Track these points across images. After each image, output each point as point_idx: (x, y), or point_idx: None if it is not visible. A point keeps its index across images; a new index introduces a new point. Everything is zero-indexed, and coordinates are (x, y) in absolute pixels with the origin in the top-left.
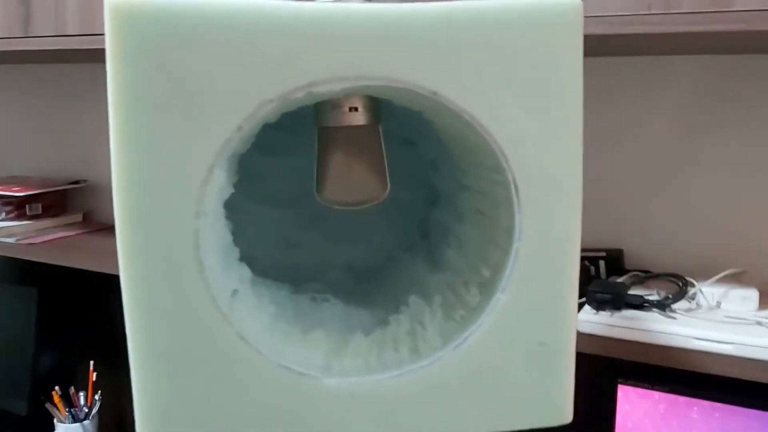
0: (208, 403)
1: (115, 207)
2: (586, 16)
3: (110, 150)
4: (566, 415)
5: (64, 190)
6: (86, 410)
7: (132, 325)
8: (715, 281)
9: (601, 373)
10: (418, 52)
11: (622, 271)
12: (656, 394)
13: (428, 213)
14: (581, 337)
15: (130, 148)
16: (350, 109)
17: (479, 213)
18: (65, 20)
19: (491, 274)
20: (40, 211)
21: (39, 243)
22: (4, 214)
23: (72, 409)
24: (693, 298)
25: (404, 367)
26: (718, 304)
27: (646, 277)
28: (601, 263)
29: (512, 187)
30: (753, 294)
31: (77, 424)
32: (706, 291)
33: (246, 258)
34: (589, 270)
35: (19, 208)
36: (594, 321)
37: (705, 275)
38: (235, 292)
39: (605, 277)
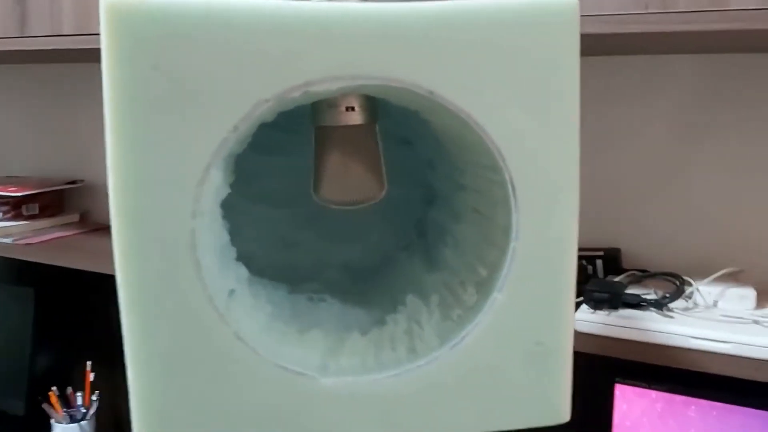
0: (205, 403)
1: (111, 207)
2: (582, 16)
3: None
4: (563, 415)
5: (61, 190)
6: (83, 411)
7: (129, 325)
8: (712, 280)
9: (599, 372)
10: (414, 51)
11: (620, 271)
12: (653, 393)
13: (425, 212)
14: (578, 336)
15: (125, 147)
16: (347, 109)
17: (476, 212)
18: (61, 20)
19: (488, 274)
20: (36, 211)
21: (36, 243)
22: (0, 215)
23: (69, 410)
24: (690, 297)
25: (401, 367)
26: (715, 303)
27: (644, 276)
28: (599, 262)
29: (509, 186)
30: (750, 293)
31: (75, 425)
32: (704, 290)
33: (243, 258)
34: (586, 269)
35: (15, 208)
36: (591, 320)
37: (702, 274)
38: (232, 291)
39: (602, 277)
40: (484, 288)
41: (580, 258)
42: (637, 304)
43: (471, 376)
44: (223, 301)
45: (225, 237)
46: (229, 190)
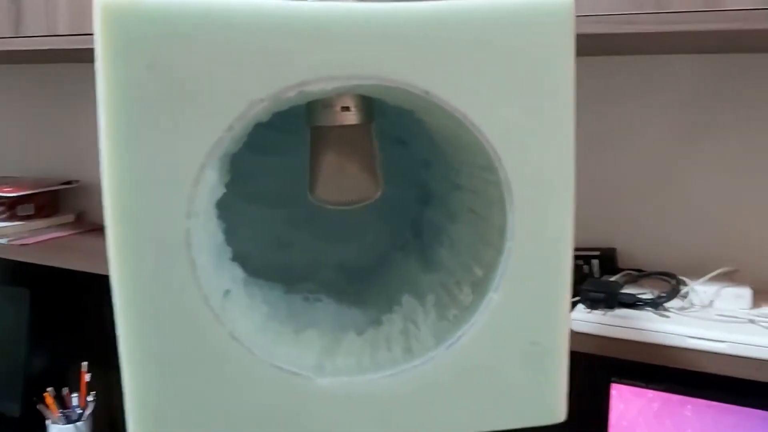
0: (200, 404)
1: (106, 207)
2: (577, 16)
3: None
4: (560, 414)
5: (56, 190)
6: (79, 411)
7: (123, 325)
8: (708, 280)
9: (595, 371)
10: (410, 51)
11: (616, 270)
12: (650, 393)
13: (421, 212)
14: (574, 336)
15: (120, 147)
16: (342, 109)
17: (472, 212)
18: (56, 20)
19: (484, 274)
20: (32, 211)
21: (31, 244)
22: None
23: (65, 411)
24: (686, 297)
25: (397, 367)
26: (711, 303)
27: (640, 275)
28: (595, 262)
29: (504, 186)
30: (746, 292)
31: (70, 426)
32: (699, 289)
33: (238, 258)
34: (582, 269)
35: (10, 208)
36: (587, 320)
37: (698, 274)
38: (227, 292)
39: (598, 276)
40: (480, 288)
41: (576, 258)
42: (633, 303)
43: (467, 376)
44: (218, 301)
45: (220, 237)
46: (224, 190)
